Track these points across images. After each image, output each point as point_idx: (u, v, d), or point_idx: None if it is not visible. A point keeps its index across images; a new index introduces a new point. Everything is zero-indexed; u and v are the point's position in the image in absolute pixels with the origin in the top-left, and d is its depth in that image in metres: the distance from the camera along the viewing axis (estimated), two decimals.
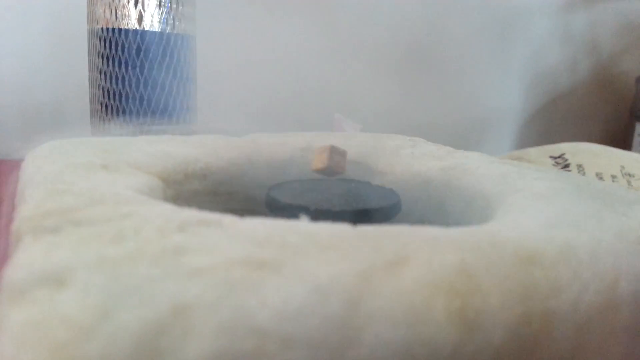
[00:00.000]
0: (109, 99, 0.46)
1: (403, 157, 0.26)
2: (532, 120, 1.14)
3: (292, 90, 0.92)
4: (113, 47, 0.45)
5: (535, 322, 0.12)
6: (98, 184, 0.17)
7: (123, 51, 0.45)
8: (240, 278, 0.10)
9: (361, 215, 0.18)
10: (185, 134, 0.42)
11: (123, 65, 0.45)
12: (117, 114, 0.46)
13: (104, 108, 0.46)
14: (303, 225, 0.13)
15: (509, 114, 1.12)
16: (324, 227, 0.13)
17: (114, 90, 0.45)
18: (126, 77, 0.45)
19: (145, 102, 0.46)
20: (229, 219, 0.14)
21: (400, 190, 0.23)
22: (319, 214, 0.18)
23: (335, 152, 0.19)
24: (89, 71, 0.47)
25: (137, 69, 0.45)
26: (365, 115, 0.99)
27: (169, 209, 0.15)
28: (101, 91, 0.46)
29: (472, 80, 1.08)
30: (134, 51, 0.45)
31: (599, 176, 0.50)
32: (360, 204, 0.18)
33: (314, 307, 0.10)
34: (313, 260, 0.11)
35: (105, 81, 0.45)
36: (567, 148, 0.55)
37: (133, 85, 0.45)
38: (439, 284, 0.11)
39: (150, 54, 0.45)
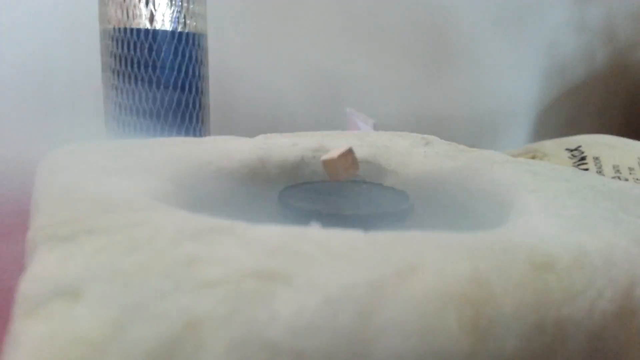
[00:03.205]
0: (122, 98, 0.46)
1: (415, 157, 0.26)
2: (548, 111, 1.13)
3: (306, 80, 0.92)
4: (125, 46, 0.45)
5: (549, 330, 0.12)
6: (111, 190, 0.17)
7: (135, 51, 0.45)
8: (252, 290, 0.10)
9: (372, 219, 0.18)
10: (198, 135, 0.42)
11: (135, 65, 0.45)
12: (131, 114, 0.46)
13: (117, 108, 0.46)
14: (314, 232, 0.13)
15: (525, 104, 1.11)
16: (335, 234, 0.13)
17: (126, 89, 0.46)
18: (139, 77, 0.45)
19: (158, 102, 0.46)
20: (241, 226, 0.14)
21: (411, 191, 0.23)
22: (330, 218, 0.18)
23: (344, 159, 0.19)
24: (102, 71, 0.48)
25: (150, 68, 0.45)
26: (379, 108, 0.99)
27: (182, 215, 0.15)
28: (114, 91, 0.46)
29: (487, 72, 1.07)
30: (145, 50, 0.45)
31: (616, 168, 0.50)
32: (371, 207, 0.18)
33: (325, 320, 0.10)
34: (324, 269, 0.11)
35: (118, 81, 0.46)
36: (584, 140, 0.54)
37: (146, 84, 0.45)
38: (451, 293, 0.11)
39: (162, 53, 0.45)
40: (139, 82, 0.45)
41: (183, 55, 0.46)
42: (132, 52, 0.45)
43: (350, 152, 0.20)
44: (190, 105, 0.47)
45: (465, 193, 0.22)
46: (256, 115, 0.88)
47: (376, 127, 0.58)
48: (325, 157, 0.20)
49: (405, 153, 0.26)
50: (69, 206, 0.15)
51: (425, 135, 0.29)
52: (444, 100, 1.05)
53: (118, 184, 0.18)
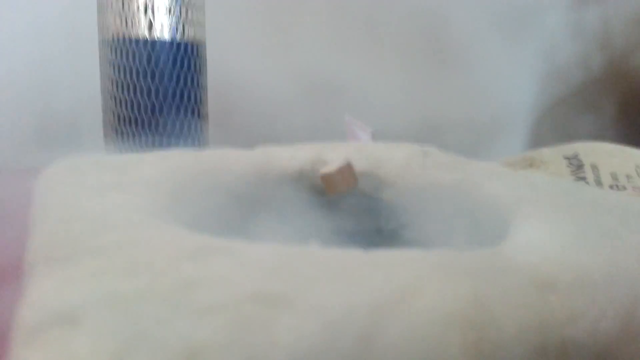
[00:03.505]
0: (121, 108, 0.46)
1: (413, 168, 0.26)
2: (545, 116, 1.14)
3: (305, 88, 0.92)
4: (124, 56, 0.45)
5: (551, 352, 0.11)
6: (110, 207, 0.17)
7: (134, 60, 0.45)
8: (251, 316, 0.10)
9: (371, 236, 0.18)
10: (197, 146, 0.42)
11: (134, 74, 0.45)
12: (129, 124, 0.46)
13: (116, 117, 0.46)
14: (313, 251, 0.13)
15: (522, 109, 1.12)
16: (334, 253, 0.13)
17: (125, 99, 0.46)
18: (137, 86, 0.45)
19: (157, 111, 0.46)
20: (239, 246, 0.14)
21: (409, 203, 0.23)
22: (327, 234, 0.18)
23: (343, 174, 0.19)
24: (101, 81, 0.48)
25: (148, 78, 0.45)
26: (377, 115, 0.99)
27: (180, 234, 0.15)
28: (113, 100, 0.46)
29: (484, 76, 1.07)
30: (144, 60, 0.45)
31: (614, 176, 0.50)
32: (371, 224, 0.18)
33: (326, 345, 0.10)
34: (324, 291, 0.11)
35: (117, 90, 0.46)
36: (581, 148, 0.54)
37: (145, 94, 0.45)
38: (453, 317, 0.11)
39: (161, 63, 0.45)
40: (138, 92, 0.45)
41: (182, 65, 0.46)
42: (130, 61, 0.45)
43: (349, 166, 0.20)
44: (189, 115, 0.47)
45: (464, 206, 0.22)
46: (254, 123, 0.88)
47: (374, 136, 0.58)
48: (323, 171, 0.20)
49: (404, 165, 0.26)
50: (66, 226, 0.15)
51: (424, 147, 0.29)
52: (442, 106, 1.05)
53: (116, 200, 0.18)
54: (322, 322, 0.10)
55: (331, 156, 0.26)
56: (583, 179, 0.50)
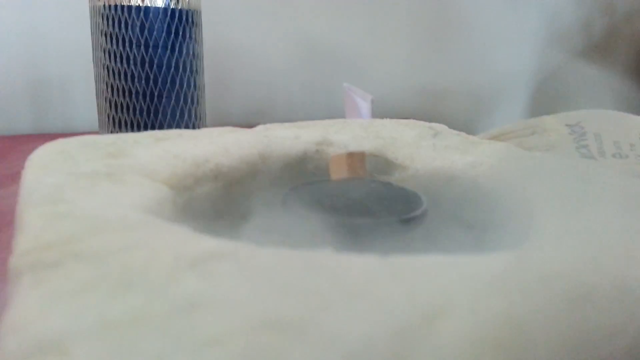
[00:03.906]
0: (114, 79, 0.44)
1: (424, 150, 0.24)
2: (546, 82, 1.12)
3: (302, 56, 0.90)
4: (116, 25, 0.43)
5: None
6: (102, 202, 0.16)
7: (126, 28, 0.43)
8: (261, 347, 0.09)
9: (385, 228, 0.17)
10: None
11: (127, 44, 0.43)
12: (123, 95, 0.44)
13: (109, 88, 0.44)
14: (327, 259, 0.12)
15: (524, 75, 1.10)
16: (350, 263, 0.12)
17: (118, 69, 0.44)
18: (130, 56, 0.43)
19: (151, 82, 0.44)
20: (245, 251, 0.12)
21: (422, 187, 0.22)
22: (340, 227, 0.17)
23: (353, 160, 0.18)
24: (93, 50, 0.46)
25: (142, 47, 0.43)
26: (377, 82, 0.97)
27: (179, 235, 0.14)
28: (106, 71, 0.44)
29: (485, 42, 1.05)
30: (137, 28, 0.43)
31: (617, 145, 0.49)
32: (383, 214, 0.17)
33: None
34: (341, 316, 0.10)
35: (110, 60, 0.44)
36: (584, 116, 0.53)
37: (138, 64, 0.44)
38: (485, 339, 0.10)
39: (155, 32, 0.44)
40: (131, 62, 0.44)
41: (176, 34, 0.44)
42: (123, 30, 0.43)
43: (362, 155, 0.18)
44: (185, 86, 0.46)
45: (479, 192, 0.21)
46: (253, 92, 0.86)
47: (374, 103, 0.57)
48: (334, 156, 0.18)
49: (413, 145, 0.25)
50: (55, 225, 0.14)
51: (433, 124, 0.27)
52: (443, 73, 1.03)
53: (109, 193, 0.16)
54: (341, 353, 0.09)
55: (337, 138, 0.25)
56: (585, 147, 0.49)
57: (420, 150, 0.24)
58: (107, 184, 0.17)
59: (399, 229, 0.17)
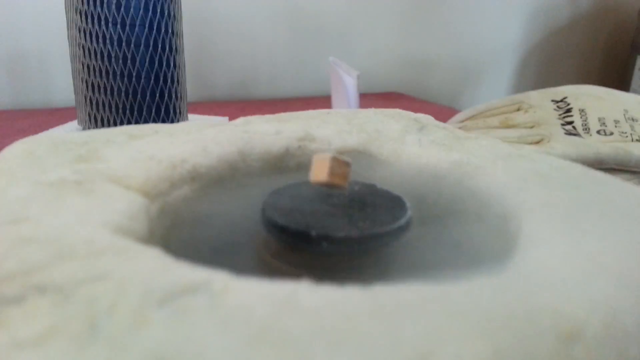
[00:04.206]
0: (89, 58, 0.43)
1: (409, 145, 0.24)
2: (531, 53, 1.11)
3: (288, 26, 0.88)
4: (91, 2, 0.41)
5: None
6: (69, 219, 0.15)
7: (102, 6, 0.41)
8: None
9: (367, 241, 0.16)
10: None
11: (102, 22, 0.42)
12: (100, 74, 0.43)
13: (85, 68, 0.43)
14: (306, 298, 0.11)
15: (509, 46, 1.09)
16: (331, 300, 0.11)
17: (94, 49, 0.42)
18: (107, 35, 0.42)
19: (129, 62, 0.42)
20: (219, 283, 0.12)
21: (407, 187, 0.21)
22: (321, 241, 0.16)
23: (336, 165, 0.17)
24: (68, 29, 0.44)
25: (118, 26, 0.42)
26: (362, 52, 0.95)
27: (149, 263, 0.13)
28: (81, 50, 0.43)
29: (472, 14, 1.04)
30: (113, 6, 0.41)
31: (601, 121, 0.48)
32: (365, 224, 0.16)
33: None
34: None
35: (85, 40, 0.42)
36: (569, 91, 0.53)
37: (115, 43, 0.42)
38: None
39: (131, 9, 0.42)
40: (108, 41, 0.42)
41: (154, 11, 0.43)
42: (98, 8, 0.41)
43: (347, 164, 0.18)
44: (164, 65, 0.44)
45: (464, 193, 0.20)
46: (236, 64, 0.84)
47: (360, 79, 0.56)
48: (318, 156, 0.18)
49: (398, 140, 0.24)
50: (18, 250, 0.13)
51: (418, 116, 0.26)
52: (430, 45, 1.02)
53: (77, 208, 0.15)
54: None
55: (320, 132, 0.24)
56: (570, 123, 0.49)
57: (405, 146, 0.24)
58: (74, 196, 0.16)
59: (382, 241, 0.16)
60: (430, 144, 0.23)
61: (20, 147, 0.20)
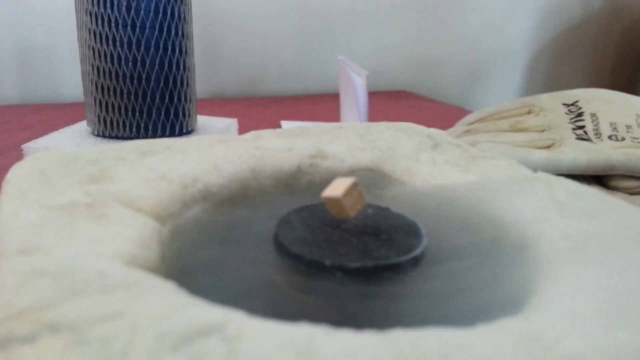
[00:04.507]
0: (99, 60, 0.42)
1: (423, 164, 0.23)
2: (542, 53, 1.10)
3: (296, 23, 0.87)
4: (101, 4, 0.41)
5: None
6: (81, 249, 0.14)
7: (112, 8, 0.41)
8: None
9: (382, 271, 0.16)
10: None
11: (113, 24, 0.41)
12: (110, 77, 0.42)
13: (95, 70, 0.43)
14: (324, 347, 0.11)
15: (519, 47, 1.08)
16: (350, 346, 0.11)
17: (104, 51, 0.42)
18: (117, 37, 0.41)
19: (138, 64, 0.42)
20: (234, 326, 0.12)
21: (421, 210, 0.21)
22: (335, 272, 0.16)
23: (355, 191, 0.17)
24: (78, 30, 0.44)
25: (128, 28, 0.41)
26: (372, 50, 0.94)
27: (164, 301, 0.13)
28: (91, 52, 0.42)
29: (482, 13, 1.03)
30: (123, 8, 0.41)
31: (613, 126, 0.48)
32: (381, 253, 0.16)
33: None
34: None
35: (95, 42, 0.42)
36: (581, 95, 0.52)
37: (125, 46, 0.42)
38: None
39: (142, 11, 0.42)
40: (118, 44, 0.42)
41: (165, 14, 0.42)
42: (108, 10, 0.41)
43: (355, 186, 0.17)
44: (174, 67, 0.44)
45: (480, 217, 0.20)
46: (245, 61, 0.84)
47: (369, 79, 0.55)
48: (327, 193, 0.17)
49: (412, 157, 0.24)
50: (30, 287, 0.13)
51: (432, 132, 0.26)
52: (439, 44, 1.01)
53: (89, 236, 0.15)
54: None
55: (332, 149, 0.24)
56: (582, 128, 0.48)
57: (419, 164, 0.23)
58: (86, 223, 0.16)
59: (398, 271, 0.16)
60: (445, 164, 0.23)
61: (30, 165, 0.20)
